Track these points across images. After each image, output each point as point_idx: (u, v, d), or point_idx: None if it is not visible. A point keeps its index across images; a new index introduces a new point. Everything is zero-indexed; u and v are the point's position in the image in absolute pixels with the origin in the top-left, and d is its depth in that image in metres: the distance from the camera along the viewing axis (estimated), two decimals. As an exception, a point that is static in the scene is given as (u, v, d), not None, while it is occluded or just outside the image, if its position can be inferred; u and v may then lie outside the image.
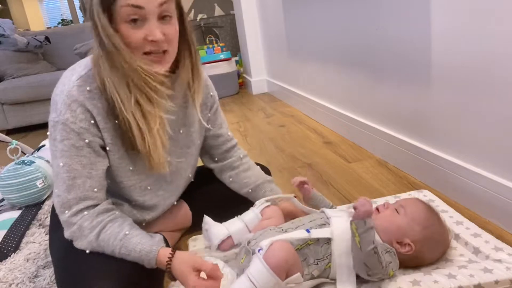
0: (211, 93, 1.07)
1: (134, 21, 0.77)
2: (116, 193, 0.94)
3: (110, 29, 0.77)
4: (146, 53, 0.81)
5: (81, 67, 0.85)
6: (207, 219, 1.00)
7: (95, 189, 0.84)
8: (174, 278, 0.84)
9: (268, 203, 1.02)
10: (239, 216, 1.00)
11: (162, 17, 0.79)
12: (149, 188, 0.96)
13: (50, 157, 0.86)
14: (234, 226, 0.97)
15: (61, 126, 0.81)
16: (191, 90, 0.95)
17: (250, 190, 1.11)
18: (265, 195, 1.08)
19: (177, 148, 0.99)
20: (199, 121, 1.03)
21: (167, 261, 0.82)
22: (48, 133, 0.85)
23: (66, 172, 0.82)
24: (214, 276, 0.78)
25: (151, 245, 0.84)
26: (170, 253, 0.83)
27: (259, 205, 1.01)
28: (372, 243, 0.74)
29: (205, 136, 1.10)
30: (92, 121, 0.83)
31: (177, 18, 0.85)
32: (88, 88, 0.82)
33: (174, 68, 0.91)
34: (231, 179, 1.14)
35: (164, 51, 0.82)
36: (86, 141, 0.82)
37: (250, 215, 0.99)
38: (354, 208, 0.77)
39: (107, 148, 0.86)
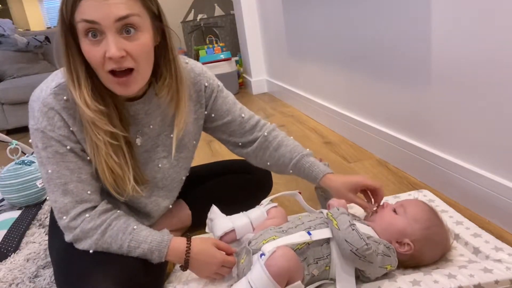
0: (206, 84, 0.98)
1: (94, 35, 0.72)
2: (112, 194, 0.93)
3: (74, 49, 0.74)
4: (111, 72, 0.75)
5: (63, 73, 0.80)
6: (214, 209, 1.00)
7: (89, 192, 0.83)
8: (186, 267, 0.86)
9: (275, 204, 1.01)
10: (245, 212, 1.00)
11: (125, 31, 0.73)
12: (143, 195, 0.94)
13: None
14: (239, 220, 0.97)
15: (41, 134, 0.80)
16: (174, 108, 0.89)
17: (291, 171, 1.02)
18: (308, 173, 1.00)
19: (168, 153, 0.96)
20: (192, 122, 0.99)
21: (186, 245, 0.85)
22: (30, 140, 0.83)
23: (57, 178, 0.81)
24: (230, 252, 0.89)
25: (161, 235, 0.85)
26: (186, 238, 0.87)
27: (266, 204, 1.01)
28: (348, 222, 0.79)
29: (215, 127, 1.04)
30: (71, 129, 0.81)
31: (152, 30, 0.79)
32: (65, 97, 0.79)
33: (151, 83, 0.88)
34: (268, 163, 1.05)
35: (130, 70, 0.76)
36: (68, 147, 0.81)
37: (257, 213, 0.99)
38: (328, 205, 0.88)
39: (88, 158, 0.83)
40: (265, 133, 1.05)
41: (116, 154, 0.82)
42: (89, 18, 0.70)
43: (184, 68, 0.90)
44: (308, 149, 1.04)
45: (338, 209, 0.84)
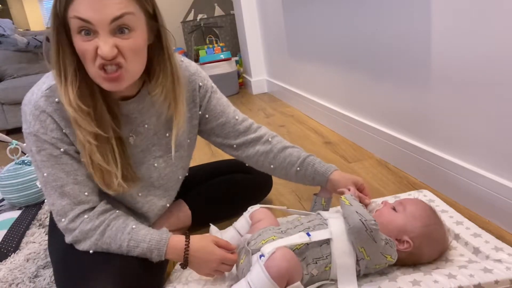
0: (200, 84, 0.98)
1: (87, 33, 0.71)
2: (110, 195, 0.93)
3: (65, 47, 0.73)
4: (101, 68, 0.74)
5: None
6: (212, 227, 1.04)
7: (86, 193, 0.83)
8: (185, 264, 0.86)
9: (257, 207, 1.01)
10: (233, 224, 1.02)
11: (119, 31, 0.72)
12: (139, 194, 0.94)
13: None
14: (227, 234, 1.00)
15: (34, 137, 0.79)
16: (170, 108, 0.88)
17: (298, 169, 1.02)
18: (315, 170, 1.01)
19: (164, 153, 0.96)
20: (186, 121, 0.98)
21: (185, 243, 0.85)
22: (24, 144, 0.83)
23: (53, 181, 0.81)
24: (230, 249, 0.88)
25: (160, 234, 0.85)
26: (185, 235, 0.87)
27: (249, 210, 1.02)
28: (360, 203, 0.84)
29: (210, 130, 1.03)
30: (64, 131, 0.80)
31: (146, 29, 0.78)
32: (56, 99, 0.78)
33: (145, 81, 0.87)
34: (272, 166, 1.04)
35: (119, 67, 0.74)
36: (62, 149, 0.80)
37: (241, 222, 1.01)
38: (343, 191, 0.93)
39: (82, 160, 0.83)
40: (269, 139, 1.05)
41: (101, 152, 0.80)
42: (83, 16, 0.69)
43: (181, 68, 0.91)
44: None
45: (352, 195, 0.89)
